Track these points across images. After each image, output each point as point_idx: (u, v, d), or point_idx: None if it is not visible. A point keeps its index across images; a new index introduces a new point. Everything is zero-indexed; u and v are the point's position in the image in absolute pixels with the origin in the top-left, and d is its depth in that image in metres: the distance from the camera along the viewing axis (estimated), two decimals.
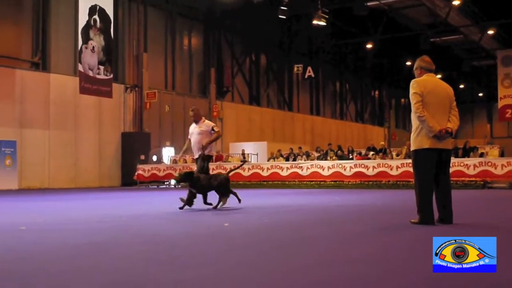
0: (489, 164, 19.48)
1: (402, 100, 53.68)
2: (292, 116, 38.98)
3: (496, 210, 9.78)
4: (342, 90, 46.18)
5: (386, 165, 20.96)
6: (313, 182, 22.12)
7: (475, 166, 19.52)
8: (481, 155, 21.30)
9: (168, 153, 28.79)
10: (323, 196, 14.97)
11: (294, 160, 24.24)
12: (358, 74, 46.71)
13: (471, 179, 19.60)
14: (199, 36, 32.59)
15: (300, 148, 26.23)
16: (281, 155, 25.24)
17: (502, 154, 23.17)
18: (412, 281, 3.30)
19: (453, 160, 19.14)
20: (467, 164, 19.60)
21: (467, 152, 21.22)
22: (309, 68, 33.91)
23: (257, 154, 29.34)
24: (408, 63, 37.94)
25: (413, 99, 6.57)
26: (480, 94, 53.79)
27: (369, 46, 36.65)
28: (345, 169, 21.61)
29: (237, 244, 5.16)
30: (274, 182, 22.89)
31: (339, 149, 24.62)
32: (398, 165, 20.55)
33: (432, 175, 6.58)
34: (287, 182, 22.68)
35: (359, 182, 21.38)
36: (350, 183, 21.59)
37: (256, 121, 35.29)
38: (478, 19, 32.57)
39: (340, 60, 43.63)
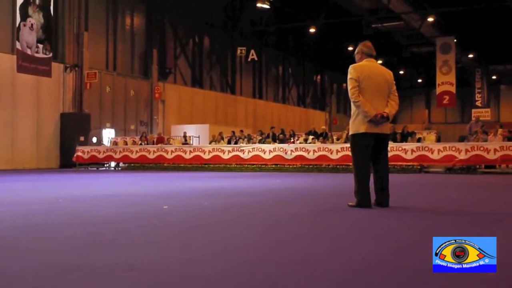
0: (426, 149, 19.96)
1: (344, 85, 54.25)
2: (235, 99, 38.97)
3: (430, 194, 10.03)
4: (285, 74, 46.39)
5: (326, 149, 21.22)
6: (255, 166, 22.23)
7: (412, 151, 19.96)
8: (419, 140, 21.78)
9: (108, 134, 28.40)
10: (264, 179, 15.06)
11: (236, 143, 24.28)
12: (300, 58, 46.97)
13: (408, 163, 20.05)
14: (141, 16, 32.12)
15: (241, 131, 26.26)
16: (223, 138, 25.24)
17: (438, 139, 23.75)
18: (339, 264, 3.36)
19: (391, 144, 19.57)
20: (405, 149, 20.03)
21: (405, 137, 21.67)
22: (253, 51, 33.89)
23: (199, 137, 29.28)
24: (350, 48, 38.32)
25: (349, 84, 6.67)
26: (419, 80, 54.89)
27: (312, 30, 36.85)
28: (286, 153, 21.77)
29: (176, 227, 5.14)
30: (215, 165, 22.89)
31: (281, 132, 24.77)
32: (338, 149, 20.83)
33: (368, 159, 6.69)
34: (228, 165, 22.72)
35: (300, 165, 21.60)
36: (291, 166, 21.78)
37: (199, 103, 35.13)
38: (418, 7, 33.13)
39: (283, 44, 43.77)
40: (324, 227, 5.22)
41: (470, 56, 44.07)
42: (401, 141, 21.20)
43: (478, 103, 42.47)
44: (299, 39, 42.87)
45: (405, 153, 19.98)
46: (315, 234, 4.75)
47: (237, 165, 22.53)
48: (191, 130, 29.59)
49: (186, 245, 4.03)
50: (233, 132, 26.03)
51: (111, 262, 3.35)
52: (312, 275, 3.04)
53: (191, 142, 27.68)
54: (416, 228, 5.12)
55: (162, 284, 2.85)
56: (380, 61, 36.17)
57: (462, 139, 22.53)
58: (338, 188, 11.24)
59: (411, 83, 54.81)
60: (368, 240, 4.37)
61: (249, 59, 34.46)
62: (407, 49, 44.14)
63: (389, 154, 19.67)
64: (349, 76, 6.68)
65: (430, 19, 34.13)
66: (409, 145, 20.30)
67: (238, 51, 34.98)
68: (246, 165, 22.39)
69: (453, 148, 19.67)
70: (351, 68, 6.72)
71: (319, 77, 51.70)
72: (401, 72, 50.76)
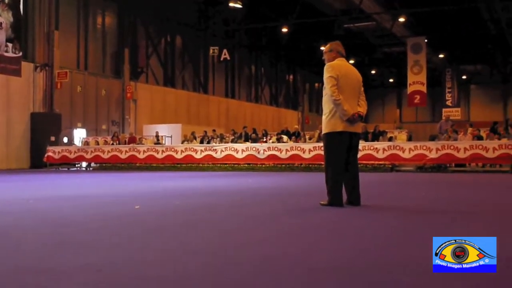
0: (397, 148, 20.13)
1: (316, 84, 54.52)
2: (207, 99, 38.88)
3: (401, 192, 10.11)
4: (258, 74, 46.42)
5: (299, 148, 21.29)
6: (227, 165, 22.22)
7: (384, 150, 20.12)
8: (390, 139, 21.96)
9: (79, 134, 28.14)
10: (236, 179, 15.05)
11: (209, 143, 24.23)
12: (273, 58, 47.04)
13: (380, 162, 20.20)
14: (113, 15, 31.88)
15: (214, 130, 26.22)
16: (195, 138, 25.17)
17: (410, 138, 24.00)
18: (309, 264, 3.36)
19: (363, 144, 19.73)
20: (376, 148, 20.17)
21: (376, 136, 21.83)
22: (225, 51, 33.84)
23: (171, 137, 29.16)
24: (322, 48, 38.43)
25: (328, 82, 6.63)
26: (391, 80, 55.30)
27: (284, 30, 36.93)
28: (258, 152, 21.79)
29: (148, 227, 5.10)
30: (188, 165, 22.82)
31: (253, 132, 24.78)
32: (311, 149, 20.91)
33: (343, 158, 6.68)
34: (201, 165, 22.67)
35: (273, 165, 21.63)
36: (263, 166, 21.81)
37: (171, 103, 34.97)
38: (389, 7, 33.38)
39: (256, 44, 43.78)
40: (295, 227, 5.22)
41: (441, 56, 44.56)
42: (373, 140, 21.36)
43: (448, 103, 42.89)
44: (272, 38, 42.92)
45: (377, 152, 20.12)
46: (287, 233, 4.75)
47: (210, 165, 22.50)
48: (163, 129, 29.47)
49: (152, 246, 4.00)
50: (205, 131, 25.99)
51: (79, 263, 3.31)
52: (280, 275, 3.03)
53: (163, 142, 27.57)
54: (386, 226, 5.15)
55: (126, 285, 2.83)
56: (352, 61, 36.45)
57: (432, 138, 22.74)
58: (311, 187, 11.27)
59: (383, 82, 55.21)
60: (340, 239, 4.38)
61: (221, 59, 34.40)
62: (379, 49, 44.48)
63: (361, 153, 19.86)
64: (327, 74, 6.65)
65: (401, 20, 34.42)
66: (380, 144, 20.46)
67: (211, 51, 34.91)
68: (218, 165, 22.37)
69: (424, 147, 19.86)
70: (328, 66, 6.71)
71: (291, 76, 51.82)
72: (373, 71, 51.11)
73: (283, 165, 21.45)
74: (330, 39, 7.17)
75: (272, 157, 21.64)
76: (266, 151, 21.75)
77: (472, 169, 20.32)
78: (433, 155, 19.57)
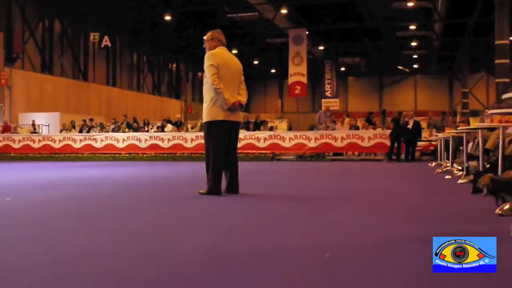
0: (278, 137, 20.53)
1: (199, 74, 54.35)
2: (88, 86, 37.75)
3: (280, 181, 10.31)
4: (140, 62, 45.67)
5: (181, 138, 21.21)
6: (108, 155, 21.74)
7: (265, 139, 20.45)
8: (271, 128, 22.33)
9: None
10: (116, 169, 14.77)
11: (88, 132, 23.60)
12: (156, 46, 46.43)
13: (261, 151, 20.50)
14: None
15: (91, 120, 25.48)
16: (74, 127, 24.43)
17: (290, 128, 24.52)
18: (180, 254, 3.35)
19: (244, 133, 19.95)
20: (257, 137, 20.46)
21: (257, 125, 22.13)
22: (106, 37, 33.01)
23: (48, 125, 28.10)
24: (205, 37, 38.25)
25: (209, 71, 6.62)
26: (273, 71, 56.08)
27: (167, 18, 36.51)
28: (140, 141, 21.50)
29: (14, 219, 4.89)
30: (66, 155, 22.12)
31: (134, 121, 24.40)
32: (193, 138, 20.90)
33: (225, 146, 6.70)
34: (80, 155, 22.05)
35: (154, 154, 21.41)
36: (145, 155, 21.54)
37: (49, 90, 33.65)
38: None
39: (138, 31, 42.99)
40: (170, 217, 5.18)
41: (321, 48, 45.68)
42: (254, 130, 21.62)
43: (328, 94, 44.05)
44: (155, 26, 42.31)
45: (258, 141, 20.42)
46: (160, 224, 4.70)
47: (90, 155, 21.93)
48: (41, 118, 28.33)
49: (18, 238, 3.83)
50: (84, 120, 25.28)
51: None
52: (143, 269, 2.99)
53: (41, 131, 26.54)
54: (264, 213, 5.22)
55: None
56: (234, 51, 36.58)
57: (312, 128, 23.36)
58: (191, 177, 11.25)
59: (265, 73, 55.87)
60: (215, 226, 4.38)
61: (102, 46, 33.54)
62: (261, 40, 44.96)
63: (243, 143, 20.03)
64: (208, 63, 6.63)
65: (284, 11, 34.95)
66: (261, 134, 20.77)
67: (91, 37, 33.93)
68: (98, 155, 21.84)
69: (304, 137, 20.38)
70: (209, 55, 6.69)
71: (174, 65, 51.39)
72: (255, 62, 51.60)
73: (165, 155, 21.28)
74: (213, 29, 7.13)
75: (154, 146, 21.41)
76: (147, 140, 21.50)
77: (348, 158, 21.06)
78: (312, 144, 20.11)
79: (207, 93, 6.76)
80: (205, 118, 6.81)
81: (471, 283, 2.65)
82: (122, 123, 24.17)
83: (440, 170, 11.95)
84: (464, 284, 2.64)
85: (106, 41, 33.21)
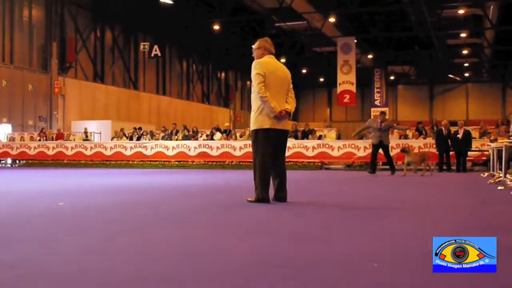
0: (327, 146, 20.45)
1: (248, 82, 54.61)
2: (138, 95, 38.36)
3: (328, 189, 10.26)
4: (189, 70, 46.14)
5: (229, 146, 21.32)
6: (157, 162, 22.02)
7: (313, 148, 20.40)
8: (319, 137, 22.26)
9: (4, 130, 27.29)
10: (167, 176, 14.93)
11: (139, 139, 23.95)
12: (205, 55, 46.86)
13: (310, 160, 20.45)
14: (40, 7, 30.99)
15: (139, 128, 25.58)
16: (125, 135, 24.80)
17: (339, 137, 24.37)
18: (230, 261, 3.36)
19: (293, 142, 19.96)
20: (306, 146, 20.42)
21: (306, 134, 22.09)
22: (156, 47, 33.51)
23: (100, 133, 28.64)
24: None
25: (256, 79, 6.66)
26: (321, 79, 55.96)
27: (216, 27, 36.84)
28: (189, 149, 21.71)
29: (70, 224, 4.99)
30: (117, 162, 22.49)
31: (184, 128, 24.64)
32: (242, 146, 20.99)
33: (271, 154, 6.72)
34: (131, 162, 22.39)
35: (203, 162, 21.58)
36: (194, 163, 21.73)
37: (100, 99, 34.30)
38: (320, 7, 33.75)
39: (187, 40, 43.49)
40: (221, 224, 5.21)
41: (370, 56, 45.40)
42: (302, 139, 21.60)
43: (377, 102, 43.78)
44: (204, 35, 42.75)
45: (306, 150, 20.38)
46: (211, 231, 4.74)
47: (140, 162, 22.24)
48: (93, 126, 28.91)
49: (76, 244, 3.91)
50: (135, 128, 25.64)
51: None
52: (198, 272, 3.02)
53: (92, 139, 27.07)
54: (312, 222, 5.21)
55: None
56: (283, 60, 36.67)
57: (361, 137, 23.16)
58: (240, 185, 11.28)
59: (314, 82, 55.76)
60: (263, 234, 4.39)
61: (152, 55, 34.04)
62: (309, 49, 44.95)
63: (291, 151, 20.01)
64: (255, 72, 6.68)
65: (332, 20, 34.90)
66: (310, 142, 20.73)
67: (141, 47, 34.51)
68: (148, 162, 22.14)
69: (353, 146, 20.26)
70: (256, 64, 6.73)
71: (223, 74, 51.76)
72: (304, 71, 51.57)
73: (214, 163, 21.43)
74: (261, 37, 7.17)
75: (203, 154, 21.58)
76: (197, 148, 21.69)
77: (398, 168, 20.78)
78: (361, 153, 19.97)
79: (255, 102, 6.80)
80: (252, 126, 6.86)
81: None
82: (178, 131, 24.31)
83: (492, 181, 11.70)
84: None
85: (156, 51, 33.71)
